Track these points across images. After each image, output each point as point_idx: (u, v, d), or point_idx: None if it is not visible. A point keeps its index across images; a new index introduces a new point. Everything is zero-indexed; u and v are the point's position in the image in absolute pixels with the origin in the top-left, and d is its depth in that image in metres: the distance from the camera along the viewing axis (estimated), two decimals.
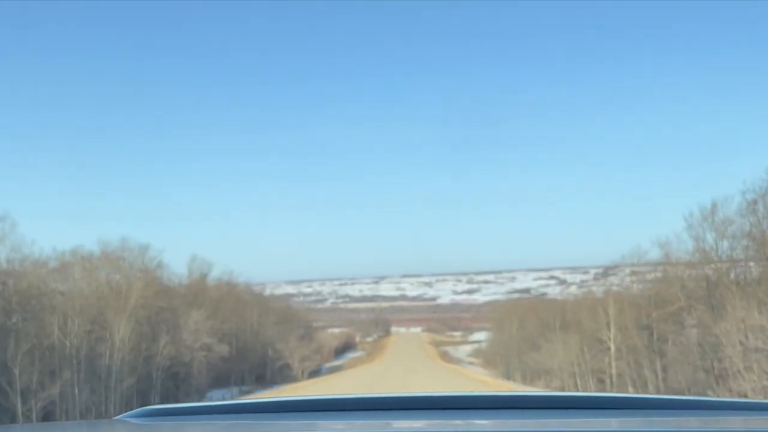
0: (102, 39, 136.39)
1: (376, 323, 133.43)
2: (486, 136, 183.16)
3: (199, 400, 33.01)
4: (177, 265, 54.63)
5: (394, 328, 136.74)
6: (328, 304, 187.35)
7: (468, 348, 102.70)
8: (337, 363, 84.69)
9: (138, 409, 2.12)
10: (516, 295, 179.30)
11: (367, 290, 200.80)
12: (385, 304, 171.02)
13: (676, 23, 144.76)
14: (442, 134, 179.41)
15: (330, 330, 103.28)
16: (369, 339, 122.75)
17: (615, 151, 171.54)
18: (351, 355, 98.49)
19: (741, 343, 25.86)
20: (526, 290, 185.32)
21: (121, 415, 2.13)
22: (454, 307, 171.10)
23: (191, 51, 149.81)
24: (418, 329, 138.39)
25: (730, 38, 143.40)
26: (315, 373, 68.01)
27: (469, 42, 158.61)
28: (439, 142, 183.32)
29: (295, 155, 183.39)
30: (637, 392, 33.65)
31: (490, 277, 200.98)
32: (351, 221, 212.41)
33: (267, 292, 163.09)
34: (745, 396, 24.54)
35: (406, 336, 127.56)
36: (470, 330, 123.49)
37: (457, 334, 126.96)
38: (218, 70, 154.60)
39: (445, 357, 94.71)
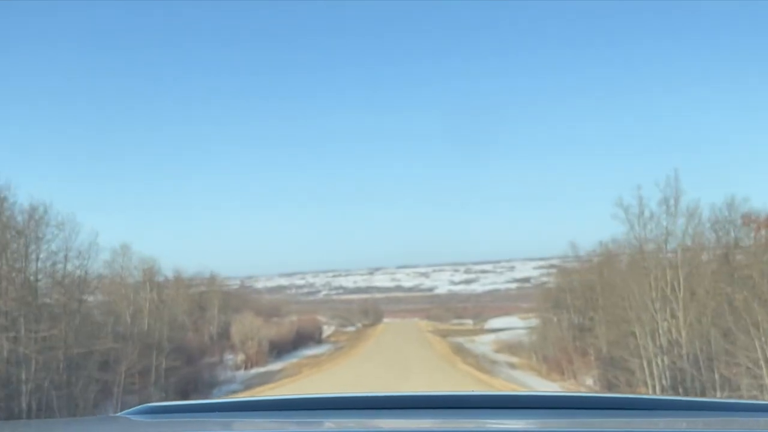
0: (82, 28, 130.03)
1: (366, 312, 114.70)
2: (482, 125, 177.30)
3: None
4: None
5: (387, 320, 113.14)
6: (320, 295, 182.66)
7: (488, 339, 70.22)
8: (273, 367, 50.85)
9: (140, 406, 2.09)
10: (515, 285, 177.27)
11: (361, 281, 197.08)
12: (379, 296, 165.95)
13: (681, 20, 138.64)
14: (438, 124, 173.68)
15: (275, 319, 66.56)
16: (351, 329, 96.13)
17: (612, 138, 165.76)
18: (308, 353, 61.58)
19: None
20: (526, 279, 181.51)
21: (122, 412, 2.10)
22: (452, 297, 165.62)
23: (181, 42, 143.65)
24: (415, 319, 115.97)
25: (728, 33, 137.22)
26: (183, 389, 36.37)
27: (470, 32, 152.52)
28: (435, 131, 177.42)
29: (288, 146, 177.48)
30: None
31: (488, 267, 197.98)
32: (345, 212, 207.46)
33: (260, 285, 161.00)
34: None
35: (401, 325, 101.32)
36: (482, 317, 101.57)
37: (468, 321, 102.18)
38: (213, 62, 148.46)
39: (466, 356, 55.70)
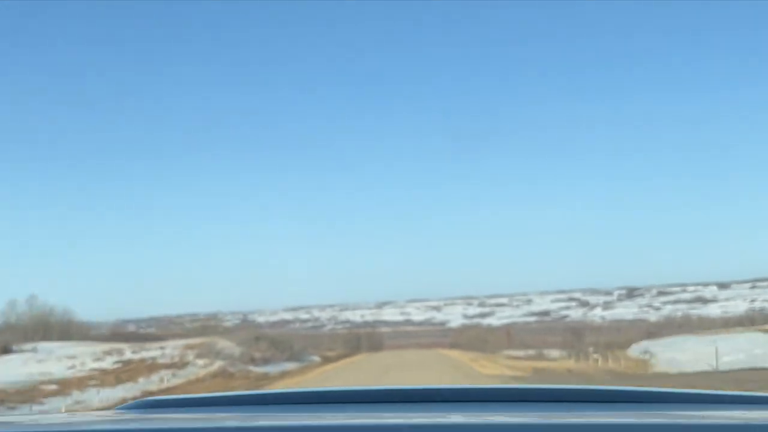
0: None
1: (358, 341, 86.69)
2: (494, 155, 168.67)
3: None
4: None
5: (387, 352, 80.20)
6: (325, 330, 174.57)
7: None
8: None
9: (137, 401, 2.07)
10: (534, 318, 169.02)
11: (369, 315, 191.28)
12: (386, 329, 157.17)
13: (684, 26, 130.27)
14: (446, 151, 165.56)
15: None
16: (302, 363, 51.12)
17: (635, 165, 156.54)
18: None
19: None
20: (546, 313, 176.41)
21: (118, 407, 2.07)
22: (466, 331, 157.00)
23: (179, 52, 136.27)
24: (437, 349, 77.55)
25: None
26: None
27: (474, 47, 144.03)
28: (445, 160, 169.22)
29: (295, 174, 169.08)
30: None
31: (504, 300, 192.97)
32: (352, 246, 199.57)
33: (262, 319, 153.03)
34: None
35: (411, 357, 60.04)
36: (615, 343, 53.01)
37: (530, 351, 58.97)
38: (215, 72, 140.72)
39: None
